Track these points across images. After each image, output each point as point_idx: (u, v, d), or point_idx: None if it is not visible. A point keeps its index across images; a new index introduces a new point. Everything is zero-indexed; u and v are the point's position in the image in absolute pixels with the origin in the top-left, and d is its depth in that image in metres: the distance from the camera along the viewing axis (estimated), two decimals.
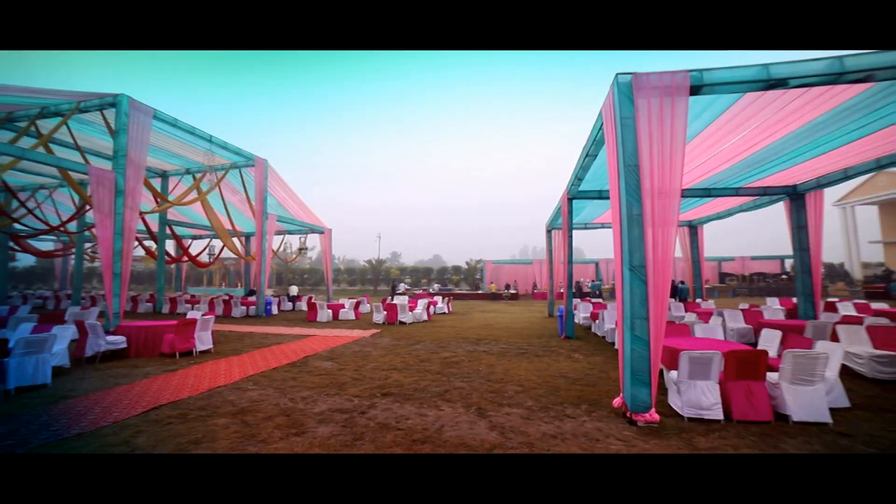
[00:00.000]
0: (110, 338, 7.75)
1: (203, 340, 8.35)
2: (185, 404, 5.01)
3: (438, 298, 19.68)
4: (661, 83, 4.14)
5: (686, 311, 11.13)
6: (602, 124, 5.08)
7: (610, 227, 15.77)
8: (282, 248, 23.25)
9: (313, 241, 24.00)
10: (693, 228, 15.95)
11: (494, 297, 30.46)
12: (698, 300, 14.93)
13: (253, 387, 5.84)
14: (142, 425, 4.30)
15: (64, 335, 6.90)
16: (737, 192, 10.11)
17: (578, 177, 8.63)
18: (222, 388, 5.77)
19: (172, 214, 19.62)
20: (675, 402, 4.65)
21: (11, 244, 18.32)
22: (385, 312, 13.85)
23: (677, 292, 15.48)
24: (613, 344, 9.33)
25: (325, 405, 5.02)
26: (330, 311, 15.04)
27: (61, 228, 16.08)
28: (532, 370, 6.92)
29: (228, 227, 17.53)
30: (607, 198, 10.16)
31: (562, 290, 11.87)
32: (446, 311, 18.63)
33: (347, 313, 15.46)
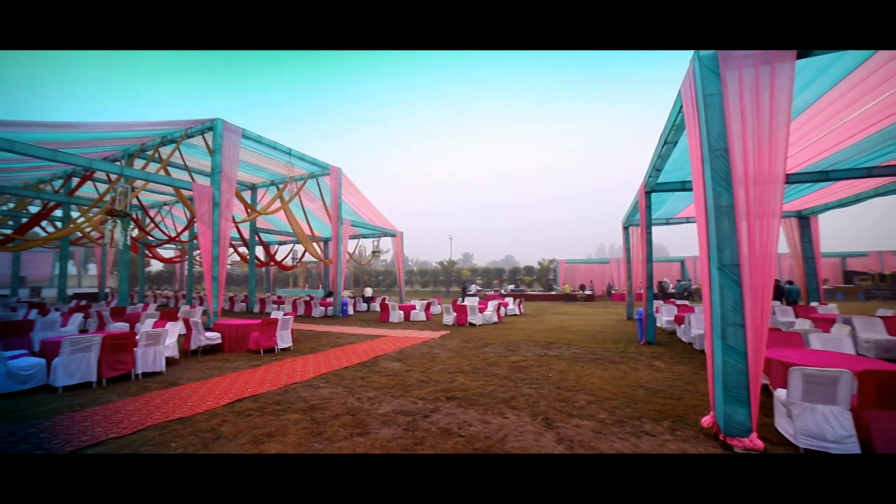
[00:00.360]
0: (209, 334, 8.70)
1: (284, 339, 9.02)
2: (264, 398, 5.40)
3: (509, 300, 19.31)
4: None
5: (796, 316, 9.59)
6: (681, 106, 4.51)
7: (695, 222, 14.27)
8: (356, 252, 24.53)
9: (386, 244, 24.91)
10: (804, 220, 13.73)
11: (568, 298, 29.19)
12: (813, 304, 12.79)
13: (324, 385, 6.13)
14: (227, 415, 4.70)
15: (174, 330, 7.89)
16: (869, 172, 8.33)
17: (656, 167, 7.85)
18: (297, 384, 6.14)
19: (261, 223, 21.64)
20: (784, 427, 3.93)
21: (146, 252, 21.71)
22: (455, 314, 13.88)
23: (783, 294, 13.42)
24: (703, 352, 8.33)
25: (390, 406, 5.09)
26: (401, 312, 15.47)
27: (177, 238, 18.58)
28: (607, 378, 6.40)
29: (308, 232, 18.93)
30: (691, 189, 9.12)
31: (641, 291, 10.92)
32: (517, 313, 18.21)
33: (418, 314, 15.78)
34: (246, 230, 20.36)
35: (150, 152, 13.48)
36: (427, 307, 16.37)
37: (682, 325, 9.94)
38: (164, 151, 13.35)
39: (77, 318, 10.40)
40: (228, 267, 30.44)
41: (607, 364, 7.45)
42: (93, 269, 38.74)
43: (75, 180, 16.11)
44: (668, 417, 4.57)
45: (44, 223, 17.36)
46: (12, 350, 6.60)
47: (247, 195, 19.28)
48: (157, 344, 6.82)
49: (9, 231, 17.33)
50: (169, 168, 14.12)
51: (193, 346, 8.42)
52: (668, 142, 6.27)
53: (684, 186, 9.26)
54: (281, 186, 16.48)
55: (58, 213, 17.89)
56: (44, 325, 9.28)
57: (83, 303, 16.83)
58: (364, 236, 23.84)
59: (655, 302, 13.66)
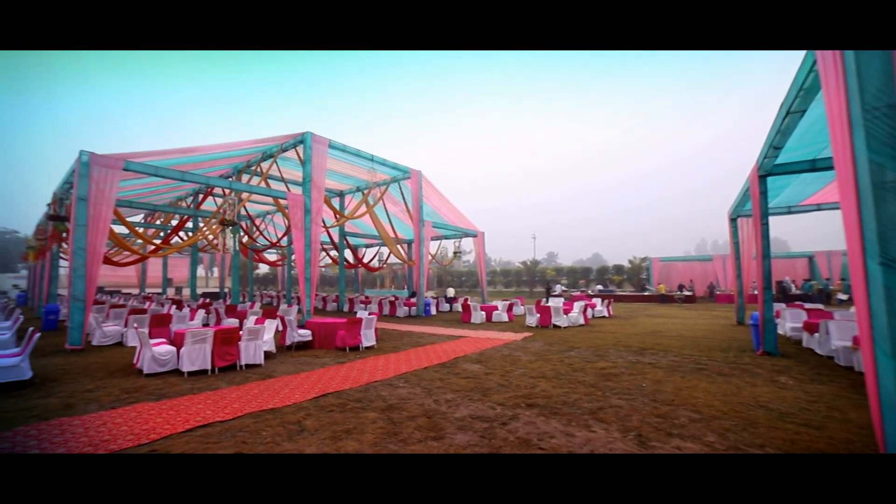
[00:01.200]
0: (301, 331, 9.40)
1: (368, 337, 9.39)
2: (346, 395, 5.59)
3: (597, 300, 18.09)
4: None
5: None
6: (814, 62, 3.64)
7: (833, 208, 11.80)
8: (439, 253, 24.98)
9: (469, 245, 25.04)
10: None
11: (664, 299, 26.51)
12: None
13: (403, 384, 6.18)
14: (311, 409, 4.94)
15: (271, 327, 8.65)
16: None
17: (774, 146, 6.61)
18: (378, 383, 6.28)
19: (349, 227, 23.08)
20: None
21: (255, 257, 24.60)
22: (538, 315, 13.34)
23: None
24: (851, 369, 6.82)
25: (467, 411, 4.92)
26: (483, 312, 15.31)
27: (278, 243, 20.61)
28: (715, 393, 5.52)
29: (392, 235, 19.72)
30: (825, 168, 7.52)
31: (755, 292, 9.36)
32: (606, 315, 16.97)
33: (500, 315, 15.49)
34: (336, 234, 21.87)
35: (253, 167, 15.12)
36: (509, 308, 15.99)
37: (817, 334, 8.29)
38: (265, 166, 14.85)
39: (201, 313, 12.00)
40: (322, 269, 33.14)
41: (714, 376, 6.46)
42: (217, 272, 45.10)
43: (201, 196, 18.75)
44: (805, 450, 3.73)
45: (181, 233, 20.54)
46: (156, 338, 7.81)
47: (336, 202, 20.70)
48: (257, 339, 7.51)
49: (159, 241, 20.83)
50: (270, 180, 15.73)
51: (288, 342, 9.17)
52: (793, 111, 5.19)
53: (814, 166, 7.68)
54: (366, 192, 17.39)
55: (189, 224, 21.03)
56: (178, 319, 10.86)
57: (207, 300, 19.47)
58: (446, 237, 24.19)
59: (775, 305, 11.64)
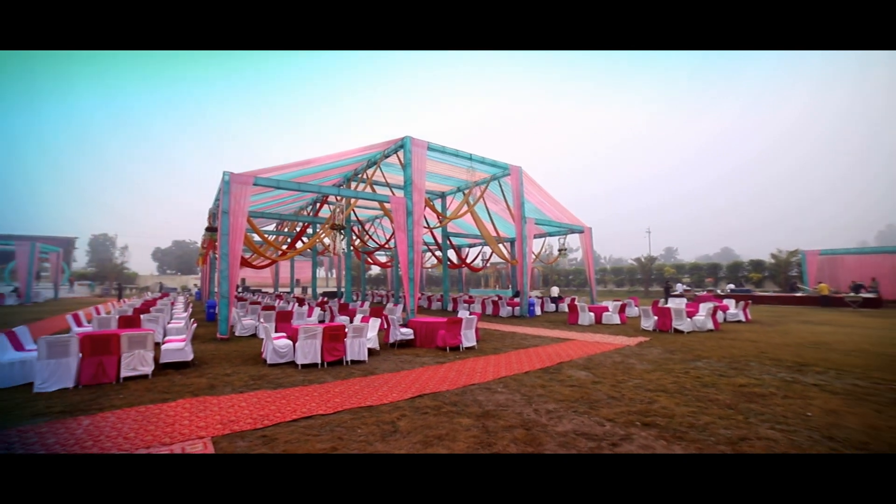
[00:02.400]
0: (403, 330, 9.65)
1: (468, 338, 9.22)
2: (442, 397, 5.44)
3: (730, 302, 15.35)
4: None
5: None
6: None
7: None
8: (543, 251, 23.95)
9: (575, 242, 23.52)
10: None
11: (827, 302, 21.40)
12: None
13: (502, 389, 5.80)
14: (407, 409, 4.87)
15: (375, 325, 9.04)
16: None
17: None
18: (475, 386, 6.01)
19: (452, 227, 23.46)
20: None
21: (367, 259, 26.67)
22: (656, 318, 11.76)
23: None
24: None
25: (571, 425, 4.35)
26: (592, 314, 14.11)
27: (385, 245, 21.91)
28: None
29: (494, 233, 19.45)
30: None
31: None
32: (742, 319, 14.29)
33: (611, 317, 14.11)
34: (439, 235, 22.42)
35: (360, 175, 16.24)
36: (622, 309, 14.46)
37: None
38: (370, 173, 15.83)
39: (317, 311, 13.24)
40: (427, 269, 34.50)
41: None
42: (335, 273, 50.34)
43: (318, 205, 20.92)
44: None
45: (304, 238, 23.23)
46: (280, 332, 8.77)
47: (437, 203, 21.22)
48: (361, 336, 7.87)
49: (285, 247, 23.92)
50: (378, 186, 16.73)
51: (391, 340, 9.49)
52: None
53: None
54: (466, 192, 17.42)
55: (310, 230, 23.66)
56: (298, 315, 12.13)
57: (325, 299, 21.63)
58: (550, 234, 23.09)
59: None
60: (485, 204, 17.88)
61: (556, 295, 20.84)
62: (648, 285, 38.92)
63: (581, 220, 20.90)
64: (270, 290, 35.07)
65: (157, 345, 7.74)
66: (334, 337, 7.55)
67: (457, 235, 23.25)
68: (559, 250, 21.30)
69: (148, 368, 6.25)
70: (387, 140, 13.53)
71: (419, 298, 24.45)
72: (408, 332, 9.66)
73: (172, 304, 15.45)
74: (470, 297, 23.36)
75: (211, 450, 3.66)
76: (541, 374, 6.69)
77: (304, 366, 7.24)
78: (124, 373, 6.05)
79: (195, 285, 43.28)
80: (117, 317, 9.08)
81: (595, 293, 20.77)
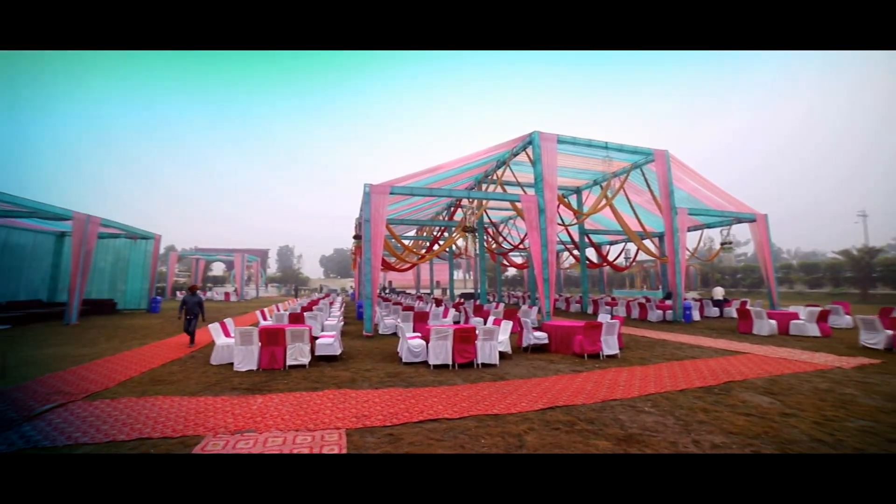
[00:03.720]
0: (537, 333, 9.13)
1: (609, 344, 8.21)
2: (576, 411, 4.83)
3: None
4: None
5: None
6: None
7: None
8: (700, 245, 20.30)
9: (744, 232, 19.34)
10: None
11: None
12: None
13: (650, 409, 4.88)
14: (536, 422, 4.44)
15: (506, 328, 8.75)
16: None
17: None
18: (616, 402, 5.20)
19: (590, 224, 21.71)
20: None
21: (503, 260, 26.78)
22: (887, 332, 8.65)
23: None
24: None
25: None
26: (773, 321, 11.25)
27: (519, 246, 21.51)
28: None
29: (638, 228, 17.24)
30: None
31: None
32: None
33: (804, 326, 11.01)
34: (576, 233, 21.01)
35: (490, 175, 16.22)
36: (821, 316, 11.14)
37: None
38: (500, 173, 15.67)
39: (452, 312, 13.63)
40: (565, 269, 32.75)
41: None
42: (472, 274, 51.88)
43: (452, 209, 21.74)
44: None
45: (441, 242, 24.49)
46: (417, 332, 9.25)
47: (572, 199, 19.89)
48: (492, 339, 7.67)
49: (423, 251, 25.59)
50: (509, 186, 16.50)
51: (524, 344, 9.07)
52: None
53: None
54: (604, 184, 15.88)
55: (446, 234, 24.79)
56: (434, 316, 12.67)
57: (461, 300, 22.26)
58: (708, 226, 19.43)
59: None
60: (626, 196, 15.96)
61: (721, 297, 17.34)
62: (866, 286, 29.36)
63: (750, 206, 16.94)
64: (412, 292, 38.11)
65: (315, 339, 8.92)
66: (465, 339, 7.53)
67: (596, 232, 21.42)
68: (721, 244, 17.65)
69: (306, 359, 7.22)
70: (514, 138, 13.19)
71: (556, 300, 23.31)
72: (542, 337, 9.11)
73: (331, 303, 17.94)
74: (612, 298, 21.22)
75: (343, 441, 3.89)
76: (702, 395, 5.45)
77: (435, 366, 7.40)
78: (289, 362, 7.10)
79: (351, 287, 49.88)
80: (288, 314, 10.85)
81: (776, 296, 16.52)
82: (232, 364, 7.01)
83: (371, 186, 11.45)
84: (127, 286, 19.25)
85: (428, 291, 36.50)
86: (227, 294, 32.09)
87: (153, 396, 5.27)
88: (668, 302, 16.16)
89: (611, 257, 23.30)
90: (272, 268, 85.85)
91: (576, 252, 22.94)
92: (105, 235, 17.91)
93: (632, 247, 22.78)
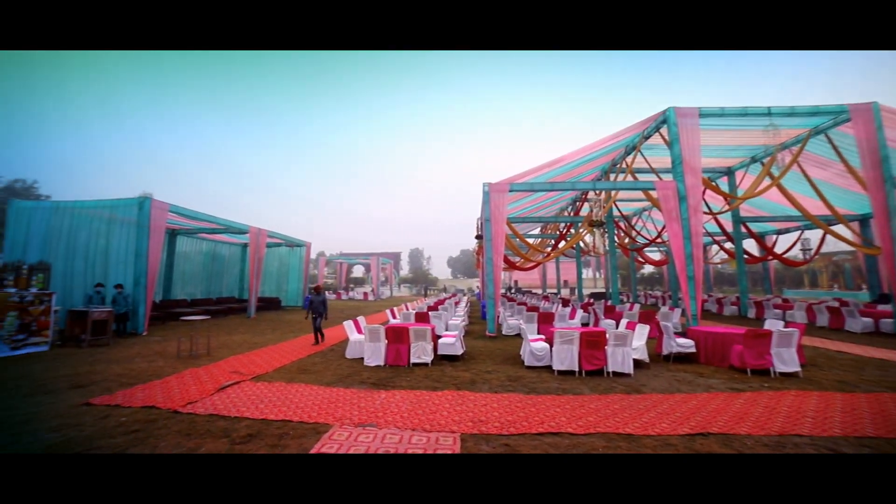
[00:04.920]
0: (680, 340, 7.82)
1: (784, 359, 6.55)
2: (739, 442, 3.88)
3: None
4: None
5: None
6: None
7: None
8: None
9: None
10: None
11: None
12: None
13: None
14: (682, 449, 3.69)
15: (642, 333, 7.71)
16: None
17: None
18: (803, 439, 4.03)
19: (747, 210, 18.01)
20: None
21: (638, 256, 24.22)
22: None
23: None
24: None
25: None
26: None
27: (656, 240, 19.10)
28: None
29: (823, 211, 13.56)
30: None
31: None
32: None
33: None
34: (728, 222, 17.67)
35: (618, 164, 14.68)
36: None
37: None
38: (629, 160, 14.05)
39: (580, 313, 12.68)
40: (716, 265, 27.89)
41: None
42: (603, 273, 48.04)
43: (578, 203, 20.39)
44: None
45: (566, 238, 23.22)
46: (539, 334, 8.85)
47: (722, 182, 16.79)
48: (625, 345, 6.82)
49: (548, 249, 24.58)
50: (641, 174, 14.73)
51: (665, 352, 7.86)
52: None
53: None
54: (766, 161, 12.96)
55: (572, 230, 23.38)
56: (560, 317, 11.97)
57: (590, 300, 20.69)
58: None
59: None
60: (801, 171, 12.66)
61: None
62: None
63: None
64: (538, 291, 37.02)
65: (438, 338, 9.20)
66: (593, 344, 6.86)
67: (757, 220, 17.65)
68: None
69: (428, 358, 7.44)
70: (644, 119, 11.64)
71: (704, 301, 19.99)
72: (687, 344, 7.78)
73: (456, 303, 18.44)
74: (784, 300, 17.18)
75: (458, 447, 3.80)
76: None
77: (560, 372, 6.89)
78: (412, 359, 7.42)
79: (477, 287, 50.90)
80: (414, 313, 11.45)
81: None
82: (363, 359, 7.66)
83: (490, 185, 11.38)
84: (288, 286, 22.99)
85: (554, 291, 35.07)
86: (365, 294, 35.92)
87: (298, 384, 6.02)
88: (882, 307, 12.32)
89: (779, 249, 18.90)
90: (404, 269, 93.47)
91: (729, 245, 19.28)
92: (271, 245, 21.72)
93: (812, 235, 18.17)
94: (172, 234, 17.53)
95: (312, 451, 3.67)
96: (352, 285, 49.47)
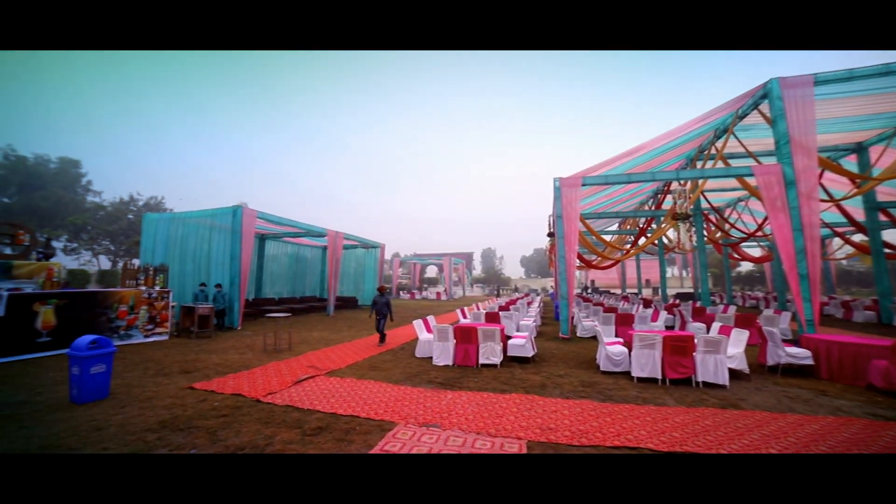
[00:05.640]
0: (791, 349, 6.71)
1: None
2: None
3: None
4: None
5: None
6: None
7: None
8: None
9: None
10: None
11: None
12: None
13: None
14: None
15: (740, 339, 6.75)
16: None
17: None
18: None
19: (888, 194, 15.02)
20: None
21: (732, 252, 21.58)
22: None
23: None
24: None
25: None
26: None
27: (756, 234, 16.84)
28: None
29: None
30: None
31: None
32: None
33: None
34: (857, 209, 14.91)
35: (706, 150, 13.15)
36: None
37: None
38: (720, 144, 12.49)
39: (664, 315, 11.54)
40: (840, 262, 23.78)
41: None
42: (690, 271, 43.46)
43: (660, 196, 18.67)
44: None
45: (647, 234, 21.39)
46: (617, 337, 8.21)
47: (848, 162, 14.20)
48: (718, 352, 6.01)
49: (628, 245, 22.86)
50: (734, 159, 13.04)
51: (770, 362, 6.79)
52: None
53: None
54: None
55: (654, 225, 21.48)
56: (640, 319, 11.02)
57: (676, 301, 18.79)
58: None
59: None
60: None
61: None
62: None
63: None
64: (617, 291, 34.67)
65: (508, 339, 8.93)
66: (678, 349, 6.16)
67: None
68: None
69: (497, 359, 7.24)
70: (738, 96, 10.21)
71: (824, 305, 17.14)
72: (801, 354, 6.65)
73: (529, 303, 17.88)
74: None
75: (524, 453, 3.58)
76: None
77: (640, 379, 6.29)
78: (481, 360, 7.26)
79: (550, 286, 49.18)
80: (485, 313, 11.28)
81: None
82: (431, 358, 7.69)
83: (561, 180, 10.84)
84: (365, 286, 24.12)
85: (635, 291, 32.63)
86: (438, 293, 36.53)
87: (368, 380, 6.20)
88: None
89: None
90: (477, 269, 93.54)
91: (859, 238, 16.23)
92: (348, 247, 22.97)
93: None
94: (262, 239, 19.33)
95: (375, 449, 3.70)
96: (425, 285, 50.68)
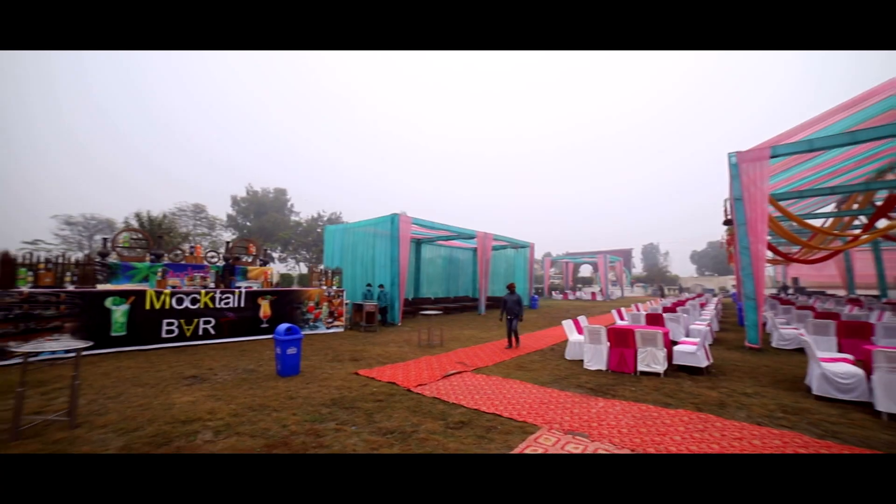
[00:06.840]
0: None
1: None
2: None
3: None
4: None
5: None
6: None
7: None
8: None
9: None
10: None
11: None
12: None
13: None
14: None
15: None
16: None
17: None
18: None
19: None
20: None
21: None
22: None
23: None
24: None
25: None
26: None
27: None
28: None
29: None
30: None
31: None
32: None
33: None
34: None
35: None
36: None
37: None
38: None
39: None
40: None
41: None
42: None
43: None
44: None
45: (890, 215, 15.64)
46: (840, 353, 6.21)
47: None
48: None
49: (857, 231, 17.15)
50: None
51: None
52: None
53: None
54: None
55: None
56: (882, 330, 8.08)
57: None
58: None
59: None
60: None
61: None
62: None
63: None
64: (836, 293, 26.35)
65: (674, 344, 7.60)
66: None
67: None
68: None
69: (660, 367, 6.21)
70: None
71: None
72: None
73: (702, 304, 15.01)
74: None
75: None
76: None
77: (890, 416, 4.54)
78: (640, 367, 6.33)
79: (732, 286, 40.83)
80: (645, 314, 9.91)
81: None
82: (582, 361, 7.08)
83: (738, 155, 8.82)
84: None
85: (872, 293, 24.33)
86: (593, 294, 34.08)
87: (514, 380, 6.03)
88: None
89: None
90: (637, 267, 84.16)
91: None
92: (497, 247, 23.28)
93: None
94: (418, 244, 21.18)
95: (516, 451, 3.52)
96: (579, 285, 47.96)
